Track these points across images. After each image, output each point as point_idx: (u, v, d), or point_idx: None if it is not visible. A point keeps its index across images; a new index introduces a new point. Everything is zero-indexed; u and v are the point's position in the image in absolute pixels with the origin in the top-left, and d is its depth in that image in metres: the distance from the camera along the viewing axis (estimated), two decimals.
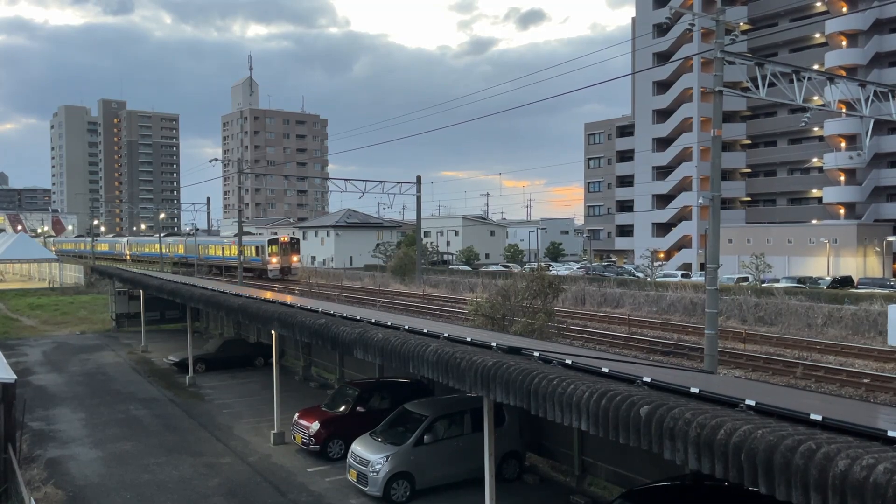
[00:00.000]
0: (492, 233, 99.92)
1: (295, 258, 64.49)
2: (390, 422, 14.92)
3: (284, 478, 15.14)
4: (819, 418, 6.88)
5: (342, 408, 16.97)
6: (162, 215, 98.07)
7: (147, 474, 15.36)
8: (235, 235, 73.68)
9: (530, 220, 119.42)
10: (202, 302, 21.73)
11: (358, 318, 14.77)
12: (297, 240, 66.80)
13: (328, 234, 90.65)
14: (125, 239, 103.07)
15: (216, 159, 60.90)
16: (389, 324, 13.80)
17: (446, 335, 11.97)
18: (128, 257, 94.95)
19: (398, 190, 56.22)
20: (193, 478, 15.13)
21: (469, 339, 11.59)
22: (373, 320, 14.37)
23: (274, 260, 62.40)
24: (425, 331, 12.63)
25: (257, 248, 63.99)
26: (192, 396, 22.62)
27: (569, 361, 9.70)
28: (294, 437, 16.95)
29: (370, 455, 13.84)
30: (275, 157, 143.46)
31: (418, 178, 57.28)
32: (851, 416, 7.44)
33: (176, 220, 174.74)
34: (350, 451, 14.51)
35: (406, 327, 13.09)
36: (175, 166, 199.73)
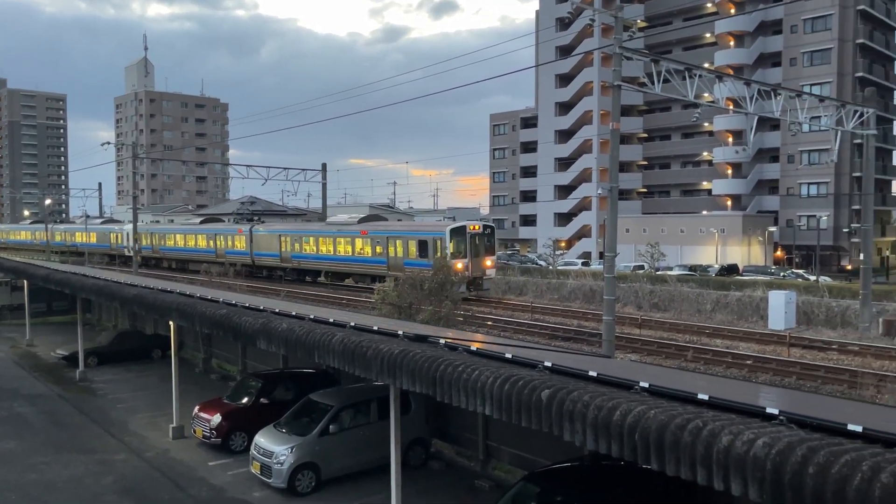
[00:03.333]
0: (399, 221, 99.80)
1: (489, 261, 37.39)
2: (295, 412, 14.74)
3: (184, 473, 14.70)
4: (706, 398, 7.30)
5: (245, 399, 16.63)
6: (48, 201, 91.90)
7: (34, 474, 14.55)
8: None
9: (437, 209, 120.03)
10: (94, 292, 20.71)
11: (261, 307, 14.48)
12: (493, 228, 38.56)
13: (229, 222, 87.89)
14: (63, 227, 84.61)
15: (109, 143, 57.57)
16: (294, 313, 13.60)
17: (353, 324, 11.92)
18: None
19: (303, 177, 55.17)
20: (85, 476, 14.46)
21: (376, 328, 11.59)
22: (277, 310, 14.13)
23: (460, 264, 34.34)
24: (331, 320, 12.53)
25: (423, 242, 36.81)
26: (83, 391, 21.56)
27: (474, 348, 9.87)
28: (194, 431, 16.48)
29: (274, 446, 13.64)
30: (172, 142, 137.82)
31: (323, 166, 56.48)
32: (735, 395, 7.94)
33: (64, 206, 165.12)
34: (253, 443, 14.25)
35: (311, 317, 12.95)
36: (63, 149, 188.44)
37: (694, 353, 22.98)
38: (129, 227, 65.47)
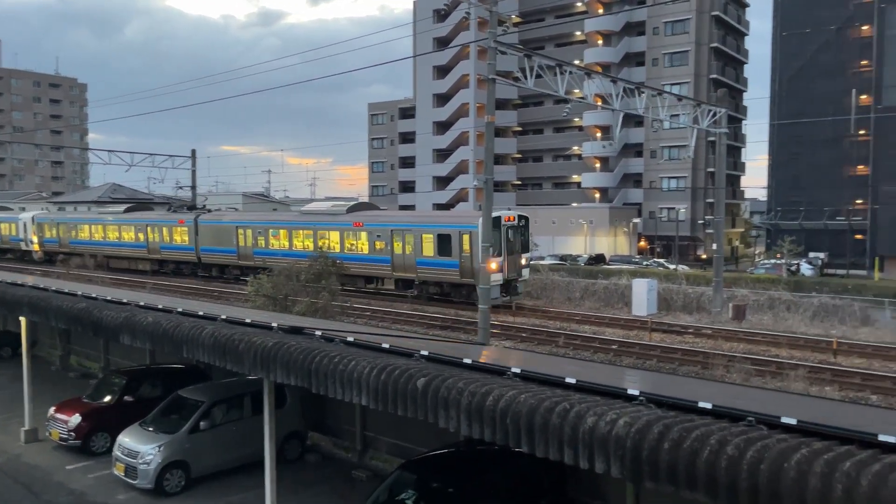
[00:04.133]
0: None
1: (524, 258, 31.84)
2: (163, 410, 14.10)
3: (39, 478, 13.72)
4: (574, 381, 7.64)
5: (107, 398, 15.71)
6: None
7: None
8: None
9: (315, 199, 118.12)
10: None
11: (124, 301, 13.72)
12: (527, 219, 32.85)
13: (89, 210, 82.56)
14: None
15: None
16: (161, 306, 12.99)
17: (224, 317, 11.54)
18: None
19: (171, 164, 52.53)
20: None
21: (248, 321, 11.28)
22: (142, 303, 13.44)
23: (494, 264, 27.21)
24: (201, 313, 12.07)
25: (443, 236, 30.57)
26: None
27: (351, 339, 9.81)
28: (50, 434, 15.39)
29: (140, 446, 13.00)
30: (23, 123, 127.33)
31: (193, 152, 54.11)
32: (600, 379, 8.34)
33: None
34: (116, 443, 13.50)
35: (179, 310, 12.41)
36: None
37: (564, 339, 23.95)
38: (28, 215, 55.54)
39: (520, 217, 31.67)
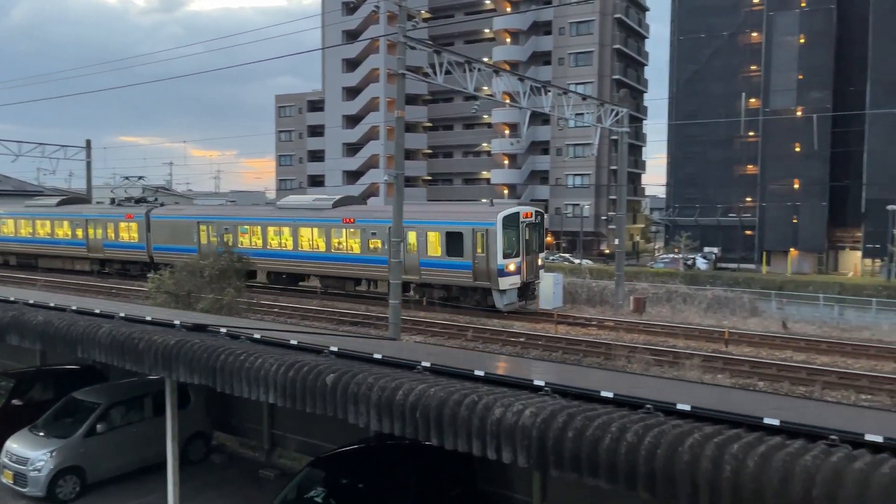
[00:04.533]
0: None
1: (540, 259, 29.62)
2: (55, 413, 13.38)
3: None
4: (482, 374, 7.77)
5: None
6: None
7: None
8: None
9: (219, 192, 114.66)
10: None
11: (12, 299, 12.94)
12: (543, 215, 30.32)
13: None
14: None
15: None
16: (53, 304, 12.33)
17: (122, 314, 11.08)
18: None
19: (63, 154, 49.81)
20: None
21: (149, 318, 10.87)
22: (31, 301, 12.72)
23: (512, 265, 27.01)
24: (97, 311, 11.54)
25: (454, 234, 27.80)
26: None
27: (257, 336, 9.62)
28: None
29: (29, 452, 12.30)
30: None
31: (88, 142, 51.50)
32: (508, 371, 8.53)
33: None
34: (3, 449, 12.73)
35: (74, 308, 11.82)
36: None
37: (473, 333, 24.26)
38: None
39: (536, 213, 29.16)
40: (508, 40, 73.52)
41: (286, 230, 32.61)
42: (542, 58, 71.71)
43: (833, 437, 5.69)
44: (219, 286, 23.98)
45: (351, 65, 78.50)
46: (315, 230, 31.80)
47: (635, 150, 74.20)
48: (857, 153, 55.74)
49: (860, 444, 5.67)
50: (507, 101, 28.77)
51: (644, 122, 78.70)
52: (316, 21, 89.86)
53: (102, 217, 40.75)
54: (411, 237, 28.11)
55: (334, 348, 8.79)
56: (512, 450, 6.27)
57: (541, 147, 72.17)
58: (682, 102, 64.01)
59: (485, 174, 76.85)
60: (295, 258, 32.44)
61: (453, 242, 27.52)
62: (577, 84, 62.42)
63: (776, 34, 58.69)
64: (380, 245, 29.44)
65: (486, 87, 27.77)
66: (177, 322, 10.39)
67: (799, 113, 56.91)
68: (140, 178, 47.02)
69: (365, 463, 10.52)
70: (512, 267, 26.81)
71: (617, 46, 68.50)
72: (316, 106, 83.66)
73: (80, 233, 41.54)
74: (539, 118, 64.37)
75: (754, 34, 61.15)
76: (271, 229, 33.22)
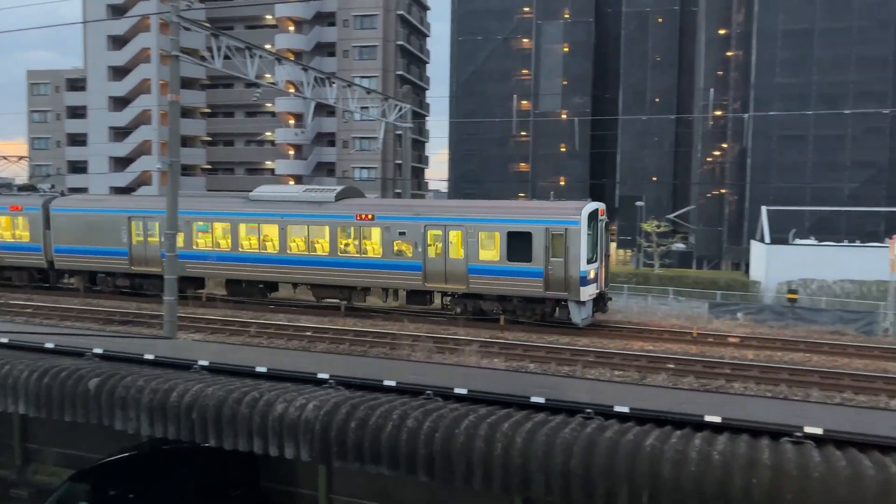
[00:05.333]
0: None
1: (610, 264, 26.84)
2: None
3: None
4: (264, 370, 7.61)
5: None
6: None
7: None
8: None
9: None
10: None
11: None
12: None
13: None
14: None
15: None
16: None
17: None
18: None
19: None
20: None
21: None
22: None
23: (593, 272, 23.36)
24: None
25: (522, 235, 23.15)
26: None
27: (4, 340, 8.58)
28: None
29: None
30: None
31: None
32: (293, 365, 8.42)
33: None
34: None
35: None
36: None
37: (257, 329, 23.55)
38: None
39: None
40: (292, 28, 72.04)
41: (269, 228, 26.58)
42: (326, 49, 71.18)
43: (588, 410, 6.31)
44: None
45: (118, 42, 72.26)
46: (312, 228, 26.14)
47: (419, 146, 76.36)
48: (612, 154, 62.22)
49: (611, 415, 6.35)
50: (292, 90, 28.25)
51: (427, 118, 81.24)
52: None
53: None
54: (454, 237, 23.94)
55: (98, 350, 8.11)
56: (295, 445, 6.22)
57: (327, 138, 71.71)
58: (461, 101, 67.05)
59: (269, 164, 74.78)
60: (280, 263, 26.50)
61: (518, 244, 23.09)
62: (361, 77, 62.79)
63: (544, 41, 63.53)
64: (410, 247, 24.56)
65: (268, 75, 27.02)
66: None
67: (564, 116, 62.20)
68: None
69: (136, 471, 9.82)
70: (593, 274, 23.20)
71: (400, 43, 69.90)
72: (76, 85, 75.94)
73: None
74: (325, 109, 63.95)
75: (525, 40, 65.63)
76: (244, 227, 26.97)
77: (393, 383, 6.94)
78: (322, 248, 25.94)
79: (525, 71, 65.51)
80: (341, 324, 25.04)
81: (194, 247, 27.21)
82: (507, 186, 66.10)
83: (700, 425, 6.48)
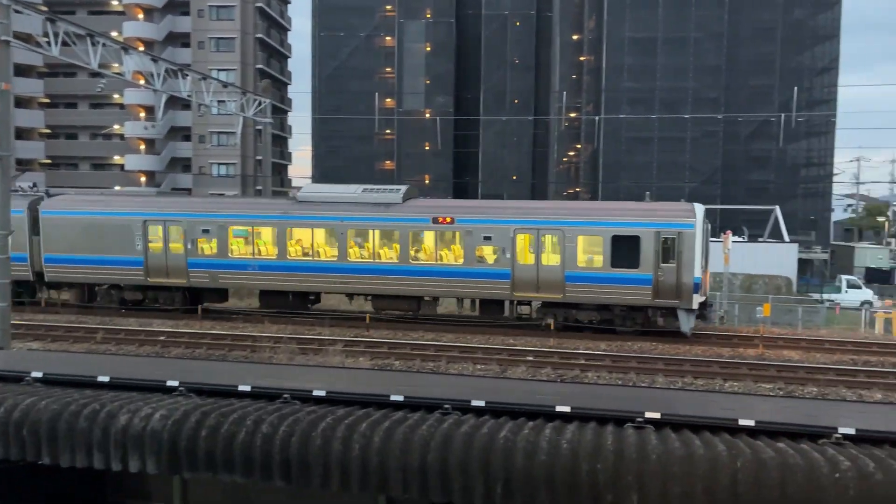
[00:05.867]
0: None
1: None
2: None
3: None
4: (107, 379, 7.14)
5: None
6: None
7: None
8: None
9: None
10: None
11: None
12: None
13: None
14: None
15: None
16: None
17: None
18: None
19: None
20: None
21: None
22: None
23: (705, 277, 22.25)
24: None
25: (629, 239, 21.18)
26: None
27: None
28: None
29: None
30: None
31: None
32: (141, 374, 7.94)
33: None
34: None
35: None
36: None
37: (104, 335, 22.14)
38: None
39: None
40: (141, 16, 68.12)
41: (324, 233, 23.89)
42: (180, 39, 67.91)
43: (447, 405, 6.42)
44: None
45: None
46: (379, 233, 23.57)
47: (281, 142, 74.54)
48: (474, 153, 63.60)
49: (468, 409, 6.50)
50: (142, 81, 26.72)
51: (289, 113, 79.44)
52: None
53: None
54: (548, 242, 22.15)
55: None
56: (140, 458, 5.89)
57: (182, 133, 68.47)
58: (324, 97, 66.10)
59: (118, 159, 70.34)
60: (337, 272, 23.73)
61: (624, 249, 21.45)
62: (219, 70, 60.45)
63: (406, 40, 63.88)
64: (497, 253, 22.33)
65: (115, 65, 25.38)
66: None
67: (427, 115, 62.86)
68: None
69: None
70: (705, 280, 21.79)
71: (259, 36, 67.92)
72: None
73: None
74: (179, 103, 60.98)
75: (388, 38, 65.69)
76: (292, 232, 24.09)
77: (248, 388, 6.73)
78: (388, 254, 23.58)
79: (388, 69, 65.60)
80: (198, 327, 24.04)
81: (230, 254, 24.10)
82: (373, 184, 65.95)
83: (552, 416, 6.76)
